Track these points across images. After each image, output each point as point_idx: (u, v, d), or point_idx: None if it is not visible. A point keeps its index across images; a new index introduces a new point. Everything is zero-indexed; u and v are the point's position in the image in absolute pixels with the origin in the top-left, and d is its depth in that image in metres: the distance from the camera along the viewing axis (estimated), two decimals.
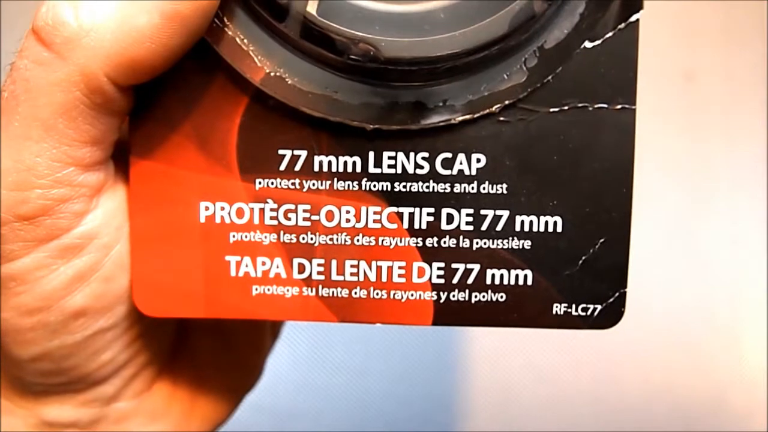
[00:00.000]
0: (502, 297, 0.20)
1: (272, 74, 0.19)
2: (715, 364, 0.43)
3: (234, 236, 0.19)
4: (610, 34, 0.18)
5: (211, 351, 0.24)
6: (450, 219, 0.19)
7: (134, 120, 0.19)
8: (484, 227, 0.19)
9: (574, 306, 0.19)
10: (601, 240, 0.19)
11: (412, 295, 0.20)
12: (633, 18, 0.18)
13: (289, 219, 0.19)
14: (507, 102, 0.19)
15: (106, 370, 0.20)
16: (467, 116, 0.19)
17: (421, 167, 0.19)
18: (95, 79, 0.17)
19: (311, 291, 0.20)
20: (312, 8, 0.18)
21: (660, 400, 0.43)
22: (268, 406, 0.43)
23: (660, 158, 0.43)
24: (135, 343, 0.21)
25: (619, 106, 0.19)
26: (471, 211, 0.19)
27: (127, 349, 0.21)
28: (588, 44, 0.19)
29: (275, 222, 0.19)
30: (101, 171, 0.19)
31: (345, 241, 0.19)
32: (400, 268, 0.19)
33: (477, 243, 0.19)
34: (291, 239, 0.19)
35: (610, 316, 0.20)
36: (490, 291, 0.19)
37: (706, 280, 0.43)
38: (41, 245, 0.18)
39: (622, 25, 0.18)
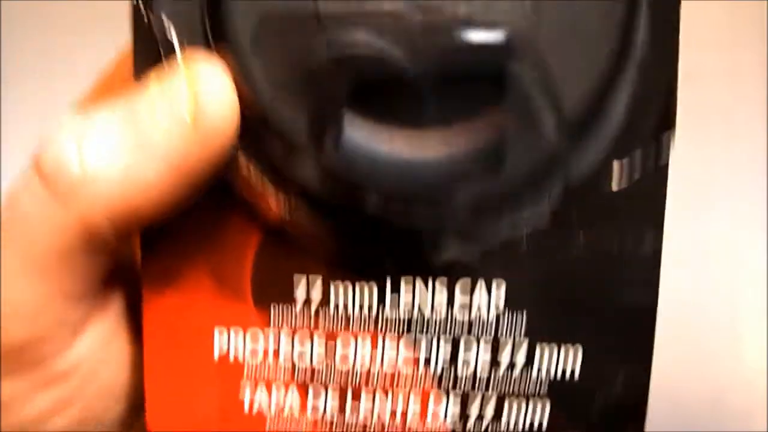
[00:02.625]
0: (519, 428, 0.19)
1: (288, 208, 0.18)
2: (715, 364, 0.43)
3: (249, 372, 0.19)
4: (638, 175, 0.18)
5: None
6: (468, 348, 0.19)
7: (146, 251, 0.19)
8: (503, 357, 0.19)
9: None
10: (621, 376, 0.19)
11: (428, 426, 0.19)
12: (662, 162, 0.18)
13: (304, 352, 0.19)
14: (528, 232, 0.18)
15: None
16: (486, 248, 0.18)
17: (440, 295, 0.19)
18: (95, 226, 0.16)
19: (325, 426, 0.19)
20: (330, 160, 0.17)
21: (660, 400, 0.43)
22: None
23: None
24: None
25: (646, 247, 0.18)
26: (490, 338, 0.19)
27: None
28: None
29: (289, 356, 0.19)
30: (90, 301, 0.18)
31: (361, 373, 0.19)
32: (416, 398, 0.19)
33: (496, 373, 0.19)
34: (305, 373, 0.19)
35: None
36: (507, 422, 0.19)
37: (706, 280, 0.43)
38: (19, 376, 0.18)
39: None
